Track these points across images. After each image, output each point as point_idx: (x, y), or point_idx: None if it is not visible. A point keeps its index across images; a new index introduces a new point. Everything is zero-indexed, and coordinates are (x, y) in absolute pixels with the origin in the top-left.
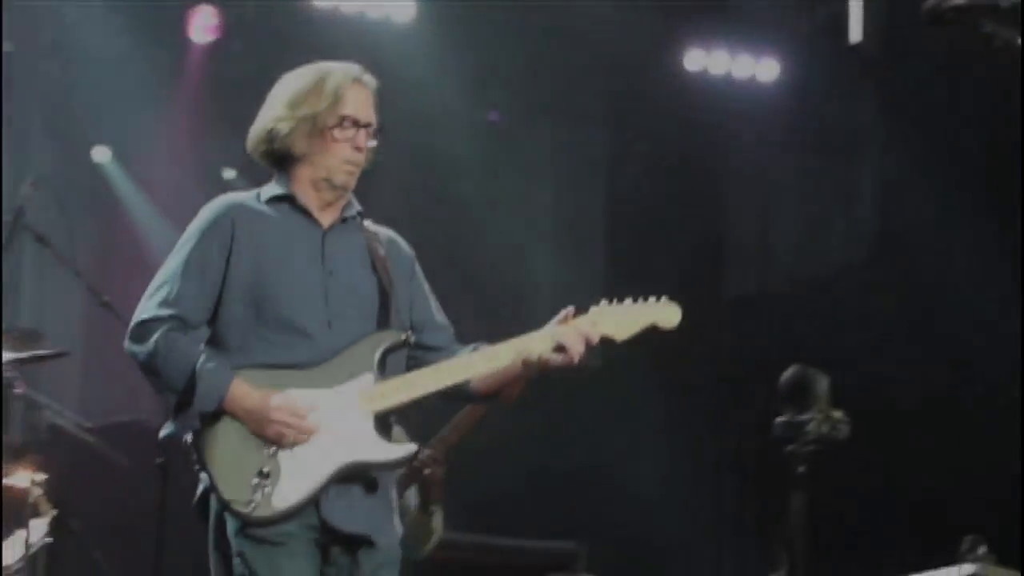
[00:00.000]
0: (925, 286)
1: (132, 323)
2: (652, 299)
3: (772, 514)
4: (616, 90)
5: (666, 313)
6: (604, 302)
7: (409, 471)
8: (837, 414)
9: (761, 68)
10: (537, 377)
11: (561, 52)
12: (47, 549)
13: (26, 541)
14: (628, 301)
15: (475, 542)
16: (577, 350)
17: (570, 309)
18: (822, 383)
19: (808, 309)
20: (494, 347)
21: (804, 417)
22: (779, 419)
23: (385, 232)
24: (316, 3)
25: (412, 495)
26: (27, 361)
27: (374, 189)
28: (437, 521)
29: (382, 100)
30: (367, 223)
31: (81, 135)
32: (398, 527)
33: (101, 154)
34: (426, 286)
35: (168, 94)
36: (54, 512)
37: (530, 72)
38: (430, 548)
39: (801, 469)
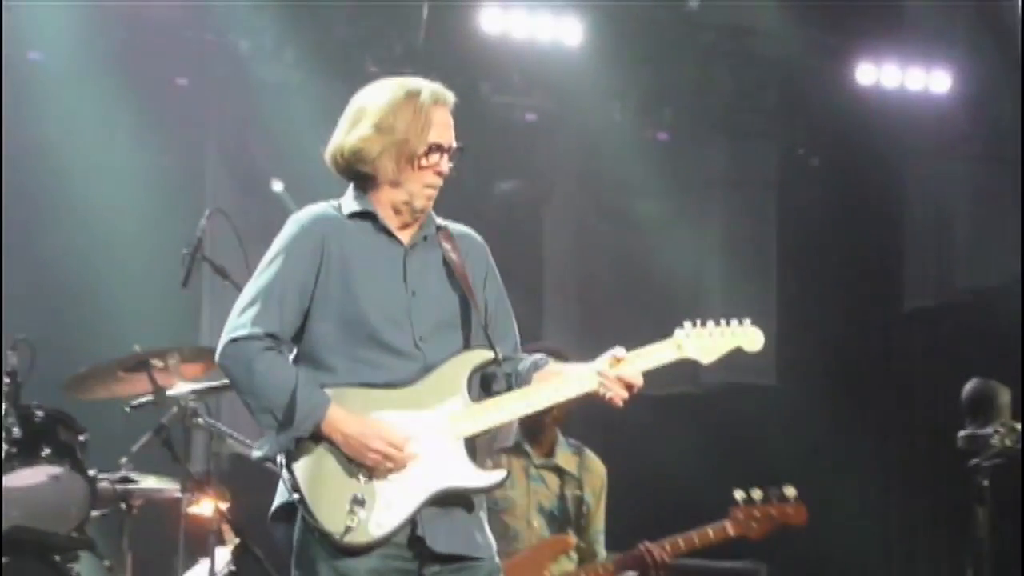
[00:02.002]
0: None
1: (225, 339)
2: (735, 322)
3: (955, 529)
4: (787, 105)
5: (750, 337)
6: (688, 325)
7: (633, 563)
8: (1020, 427)
9: (933, 80)
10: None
11: (730, 69)
12: None
13: (211, 570)
14: (711, 324)
15: None
16: (620, 396)
17: (619, 351)
18: (1004, 396)
19: (988, 320)
20: (563, 374)
21: (987, 430)
22: (961, 432)
23: (458, 229)
24: (486, 29)
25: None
26: (208, 392)
27: (548, 211)
28: None
29: (554, 122)
30: (440, 221)
31: (258, 167)
32: (491, 538)
33: (278, 185)
34: (497, 287)
35: None
36: (237, 540)
37: (700, 90)
38: None
39: (984, 483)
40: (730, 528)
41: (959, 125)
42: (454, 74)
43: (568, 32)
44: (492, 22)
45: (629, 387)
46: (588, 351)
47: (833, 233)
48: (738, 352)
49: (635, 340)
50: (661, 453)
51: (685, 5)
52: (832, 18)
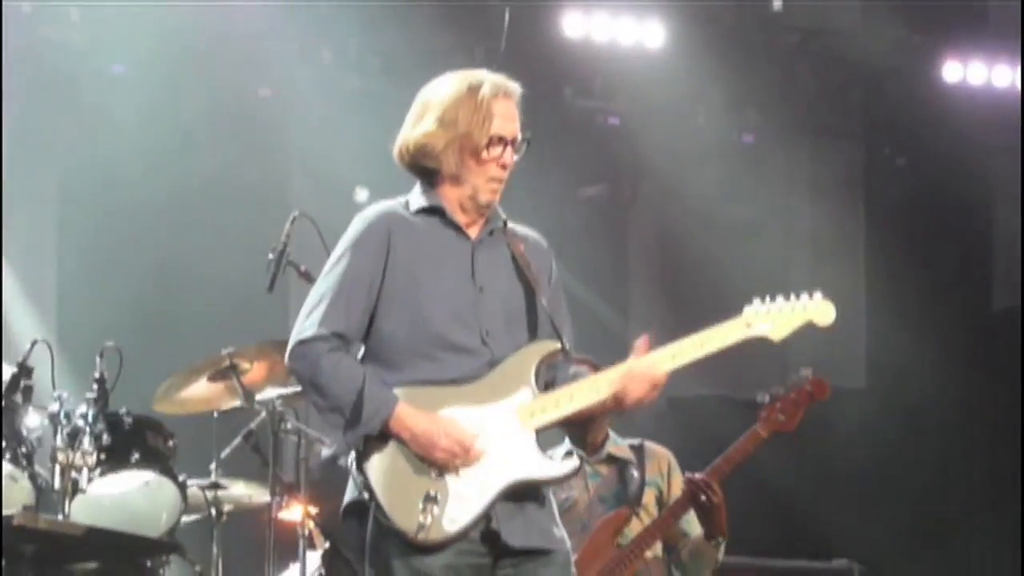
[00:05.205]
0: None
1: (293, 341)
2: (804, 296)
3: None
4: (872, 105)
5: (821, 310)
6: (757, 301)
7: (685, 498)
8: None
9: (1020, 76)
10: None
11: (814, 69)
12: None
13: (302, 574)
14: (780, 299)
15: (748, 564)
16: (638, 395)
17: (644, 339)
18: None
19: None
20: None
21: None
22: None
23: (524, 231)
24: (568, 34)
25: (690, 521)
26: (296, 396)
27: (632, 215)
28: (721, 551)
29: (638, 126)
30: (509, 225)
31: (341, 175)
32: (563, 529)
33: (362, 194)
34: (558, 294)
35: None
36: (327, 544)
37: (784, 91)
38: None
39: None
40: (761, 430)
41: None
42: (537, 79)
43: (650, 35)
44: (574, 26)
45: (654, 384)
46: None
47: (921, 233)
48: (809, 326)
49: None
50: (757, 457)
51: (768, 6)
52: (916, 16)
